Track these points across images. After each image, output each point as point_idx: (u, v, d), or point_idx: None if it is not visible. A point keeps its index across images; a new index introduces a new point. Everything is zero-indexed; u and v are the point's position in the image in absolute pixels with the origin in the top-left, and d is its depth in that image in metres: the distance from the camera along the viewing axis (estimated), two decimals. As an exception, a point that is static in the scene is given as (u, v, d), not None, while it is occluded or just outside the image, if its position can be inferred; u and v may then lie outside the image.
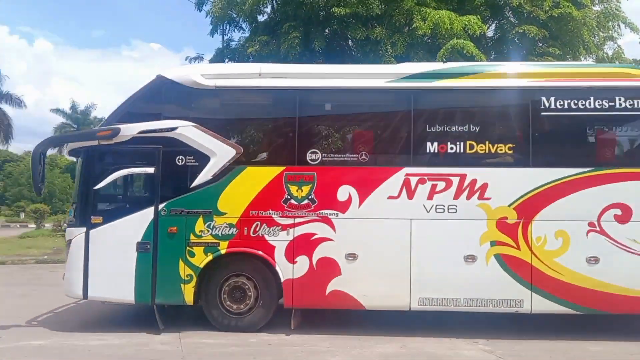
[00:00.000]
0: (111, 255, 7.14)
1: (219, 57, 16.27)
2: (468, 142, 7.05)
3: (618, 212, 6.84)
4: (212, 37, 16.34)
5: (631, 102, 6.96)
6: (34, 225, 32.13)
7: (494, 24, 15.76)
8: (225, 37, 16.91)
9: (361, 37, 13.42)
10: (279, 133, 7.59)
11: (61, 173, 56.89)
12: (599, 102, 6.99)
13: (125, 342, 6.68)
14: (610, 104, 6.98)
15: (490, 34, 15.88)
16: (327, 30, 14.73)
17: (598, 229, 6.85)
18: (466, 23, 12.66)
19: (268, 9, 15.46)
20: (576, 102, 7.00)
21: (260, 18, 15.82)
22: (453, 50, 12.21)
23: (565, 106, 7.01)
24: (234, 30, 16.84)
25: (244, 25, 16.52)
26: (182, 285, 7.08)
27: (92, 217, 7.25)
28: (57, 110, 55.42)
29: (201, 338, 6.88)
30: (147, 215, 7.15)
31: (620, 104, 6.97)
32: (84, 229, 7.22)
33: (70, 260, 7.28)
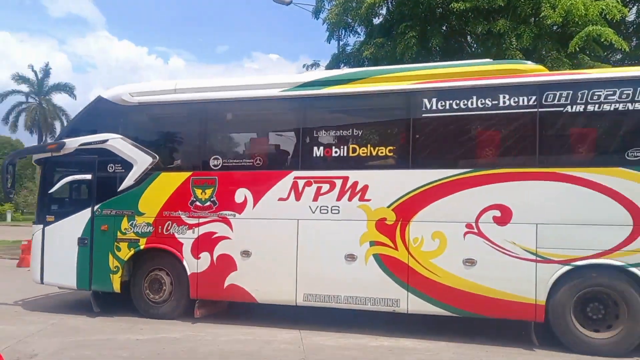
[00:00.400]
0: (60, 248, 8.47)
1: (335, 62, 16.58)
2: (351, 146, 7.29)
3: (497, 213, 6.66)
4: (329, 43, 16.75)
5: (516, 100, 6.71)
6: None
7: (636, 7, 14.17)
8: (341, 43, 17.28)
9: (482, 32, 12.93)
10: (188, 141, 8.38)
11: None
12: (481, 101, 6.83)
13: (251, 338, 7.03)
14: (493, 102, 6.78)
15: (631, 17, 14.27)
16: (444, 28, 14.25)
17: (476, 230, 6.72)
18: (604, 7, 11.46)
19: (383, 11, 15.28)
20: (458, 102, 6.90)
21: (376, 21, 15.72)
22: (588, 39, 11.27)
23: (447, 107, 6.94)
24: (349, 35, 16.97)
25: (359, 29, 16.57)
26: (111, 275, 8.20)
27: (47, 216, 8.67)
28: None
29: (322, 339, 6.98)
30: (86, 214, 8.37)
31: (505, 102, 6.74)
32: (41, 226, 8.65)
33: (33, 252, 8.76)
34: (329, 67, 16.34)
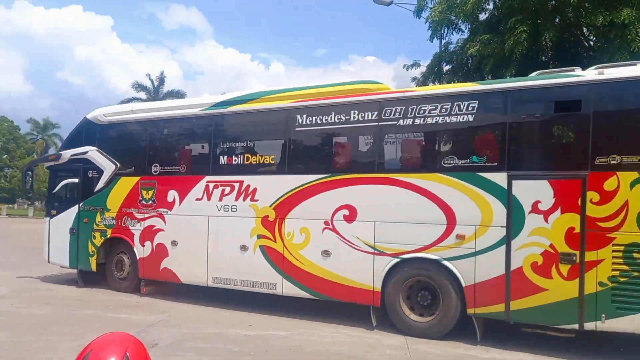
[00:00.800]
0: (59, 236, 10.99)
1: (437, 61, 16.55)
2: (246, 155, 8.81)
3: (346, 212, 7.81)
4: (431, 42, 16.47)
5: (363, 115, 7.79)
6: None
7: None
8: (443, 41, 16.87)
9: (603, 23, 11.69)
10: (138, 152, 10.32)
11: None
12: (338, 116, 7.99)
13: (356, 341, 7.11)
14: (346, 117, 7.91)
15: None
16: (557, 21, 13.18)
17: (331, 226, 7.92)
18: None
19: (490, 6, 14.60)
20: (321, 118, 8.12)
21: (482, 16, 15.08)
22: None
23: (313, 122, 8.19)
24: (452, 33, 16.48)
25: (463, 27, 16.05)
26: (89, 257, 10.52)
27: (52, 210, 11.25)
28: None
29: (429, 347, 6.85)
30: (75, 210, 10.79)
31: (355, 117, 7.85)
32: (48, 218, 11.26)
33: (43, 238, 11.39)
34: (430, 67, 16.66)
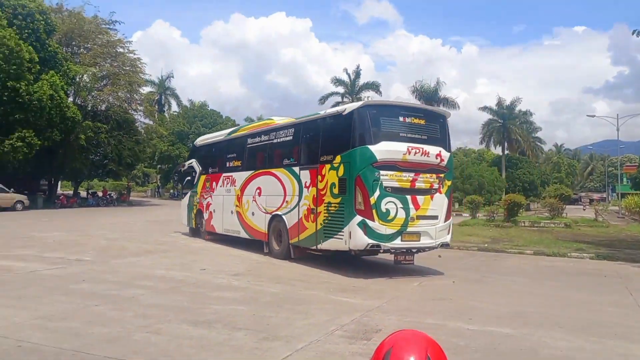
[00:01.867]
0: (184, 208, 19.89)
1: None
2: (233, 161, 16.02)
3: (259, 191, 14.31)
4: None
5: (265, 137, 14.24)
6: (467, 215, 34.08)
7: None
8: None
9: None
10: (206, 161, 18.27)
11: (489, 166, 59.40)
12: (259, 139, 14.59)
13: (599, 347, 6.26)
14: (261, 139, 14.46)
15: None
16: None
17: (254, 199, 14.52)
18: None
19: None
20: (255, 139, 14.83)
21: None
22: None
23: (254, 141, 14.94)
24: None
25: None
26: (192, 220, 19.07)
27: (183, 195, 20.32)
28: (485, 108, 61.79)
29: None
30: (189, 194, 19.53)
31: (263, 139, 14.34)
32: (182, 199, 20.35)
33: (181, 210, 20.50)
34: None
